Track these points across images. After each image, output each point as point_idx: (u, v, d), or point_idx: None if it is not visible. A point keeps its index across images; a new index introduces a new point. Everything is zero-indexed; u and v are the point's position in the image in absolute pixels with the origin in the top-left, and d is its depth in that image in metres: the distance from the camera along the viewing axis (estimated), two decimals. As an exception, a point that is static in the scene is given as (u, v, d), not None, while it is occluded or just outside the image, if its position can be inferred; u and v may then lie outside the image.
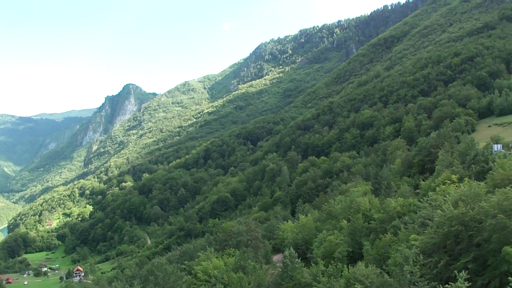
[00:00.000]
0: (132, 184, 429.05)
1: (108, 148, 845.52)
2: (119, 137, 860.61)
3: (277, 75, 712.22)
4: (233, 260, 64.45)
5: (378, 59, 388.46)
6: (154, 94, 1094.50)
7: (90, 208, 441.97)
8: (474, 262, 33.98)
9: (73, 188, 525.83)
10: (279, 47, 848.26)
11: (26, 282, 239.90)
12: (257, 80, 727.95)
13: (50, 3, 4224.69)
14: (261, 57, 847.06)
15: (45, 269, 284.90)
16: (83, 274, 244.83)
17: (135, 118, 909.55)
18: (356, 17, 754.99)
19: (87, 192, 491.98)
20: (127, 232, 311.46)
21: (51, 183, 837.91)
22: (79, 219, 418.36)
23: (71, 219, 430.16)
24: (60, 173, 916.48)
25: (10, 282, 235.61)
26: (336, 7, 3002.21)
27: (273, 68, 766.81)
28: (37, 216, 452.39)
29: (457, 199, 38.48)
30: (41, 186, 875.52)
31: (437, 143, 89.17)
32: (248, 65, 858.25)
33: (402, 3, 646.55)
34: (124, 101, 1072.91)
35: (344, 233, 64.23)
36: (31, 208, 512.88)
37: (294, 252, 55.60)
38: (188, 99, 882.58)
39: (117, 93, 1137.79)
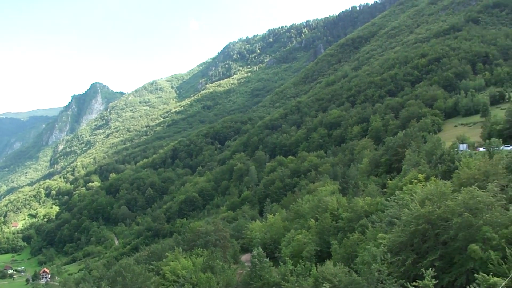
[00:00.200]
0: (99, 184, 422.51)
1: (75, 147, 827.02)
2: (85, 137, 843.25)
3: (245, 75, 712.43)
4: (202, 260, 64.32)
5: (346, 59, 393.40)
6: (122, 93, 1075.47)
7: (56, 208, 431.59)
8: (440, 260, 34.32)
9: (39, 189, 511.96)
10: (248, 47, 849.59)
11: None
12: (225, 80, 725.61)
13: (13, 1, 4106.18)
14: (229, 57, 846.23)
15: (10, 271, 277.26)
16: (49, 276, 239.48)
17: (102, 118, 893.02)
18: (325, 18, 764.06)
19: (53, 192, 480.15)
20: (94, 233, 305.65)
21: (16, 184, 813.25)
22: (45, 220, 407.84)
23: (37, 220, 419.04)
24: (26, 173, 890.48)
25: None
26: (304, 7, 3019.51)
27: (241, 68, 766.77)
28: (2, 217, 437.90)
29: (424, 198, 38.87)
30: (6, 186, 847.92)
31: (404, 143, 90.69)
32: (216, 65, 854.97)
33: (370, 4, 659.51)
34: (91, 100, 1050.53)
35: (312, 232, 64.39)
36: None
37: (263, 251, 55.55)
38: (155, 98, 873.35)
39: (84, 92, 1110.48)
